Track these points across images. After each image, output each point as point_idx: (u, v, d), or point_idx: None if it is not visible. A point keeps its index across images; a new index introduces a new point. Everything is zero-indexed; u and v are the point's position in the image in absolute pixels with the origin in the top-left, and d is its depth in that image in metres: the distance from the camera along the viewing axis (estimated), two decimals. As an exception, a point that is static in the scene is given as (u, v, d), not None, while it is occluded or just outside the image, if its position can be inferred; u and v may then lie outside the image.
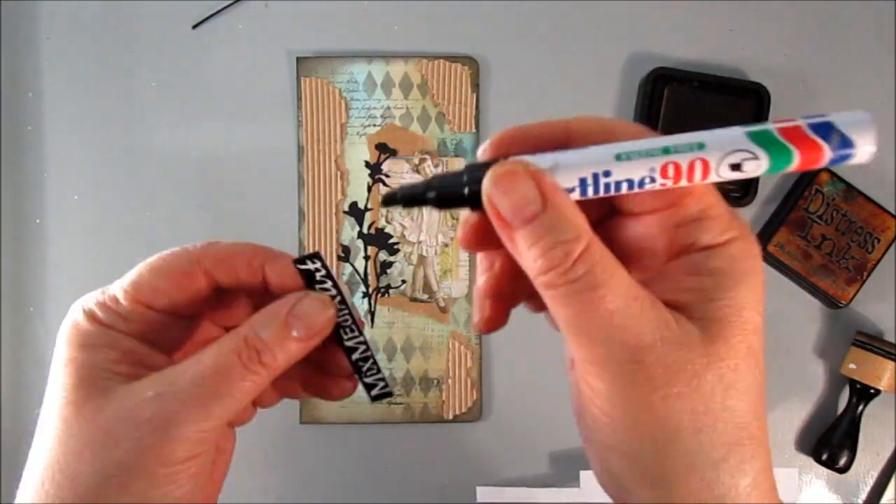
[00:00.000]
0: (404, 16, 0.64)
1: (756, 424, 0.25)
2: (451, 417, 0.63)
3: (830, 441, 0.62)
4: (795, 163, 0.24)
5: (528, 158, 0.25)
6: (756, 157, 0.24)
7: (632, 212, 0.27)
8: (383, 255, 0.63)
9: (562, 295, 0.24)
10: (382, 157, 0.63)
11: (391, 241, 0.63)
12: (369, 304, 0.63)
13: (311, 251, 0.29)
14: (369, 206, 0.63)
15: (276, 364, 0.28)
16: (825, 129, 0.23)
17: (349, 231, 0.63)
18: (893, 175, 0.64)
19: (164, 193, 0.64)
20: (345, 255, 0.63)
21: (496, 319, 0.30)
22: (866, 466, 0.64)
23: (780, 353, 0.64)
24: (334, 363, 0.32)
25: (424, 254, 0.63)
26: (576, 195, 0.25)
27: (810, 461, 0.64)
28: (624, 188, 0.25)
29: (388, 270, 0.63)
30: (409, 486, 0.64)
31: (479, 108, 0.64)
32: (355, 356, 0.31)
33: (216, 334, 0.32)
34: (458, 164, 0.63)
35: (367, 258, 0.63)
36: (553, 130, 0.26)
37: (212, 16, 0.64)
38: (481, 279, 0.29)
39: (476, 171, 0.25)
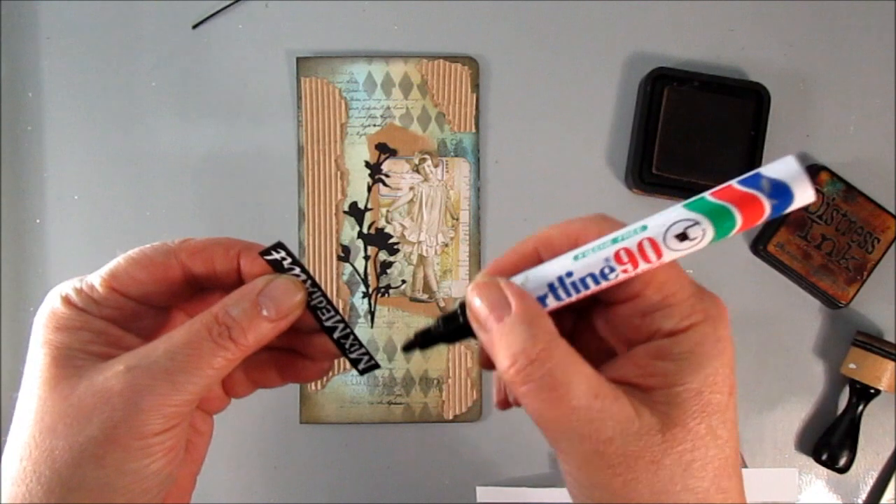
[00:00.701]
0: (404, 16, 0.64)
1: (720, 497, 0.27)
2: (451, 417, 0.63)
3: (830, 441, 0.62)
4: (738, 220, 0.25)
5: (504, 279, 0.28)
6: (697, 223, 0.26)
7: (606, 302, 0.29)
8: (383, 255, 0.63)
9: (526, 392, 0.26)
10: (382, 157, 0.63)
11: (391, 241, 0.63)
12: (369, 304, 0.63)
13: (274, 242, 0.31)
14: (369, 206, 0.63)
15: (246, 342, 0.29)
16: (754, 180, 0.25)
17: (349, 231, 0.63)
18: (893, 175, 0.64)
19: (164, 193, 0.64)
20: (345, 255, 0.63)
21: (507, 403, 0.32)
22: (866, 466, 0.64)
23: (780, 353, 0.64)
24: (311, 345, 0.33)
25: (424, 254, 0.63)
26: (551, 301, 0.28)
27: (810, 461, 0.64)
28: (590, 284, 0.27)
29: (388, 270, 0.63)
30: (409, 486, 0.64)
31: (479, 108, 0.64)
32: (336, 335, 0.32)
33: None
34: (458, 164, 0.63)
35: (367, 258, 0.63)
36: (525, 252, 0.29)
37: (212, 16, 0.64)
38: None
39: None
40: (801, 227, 0.62)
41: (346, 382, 0.63)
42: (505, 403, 0.32)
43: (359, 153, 0.63)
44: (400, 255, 0.63)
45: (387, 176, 0.63)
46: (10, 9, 0.63)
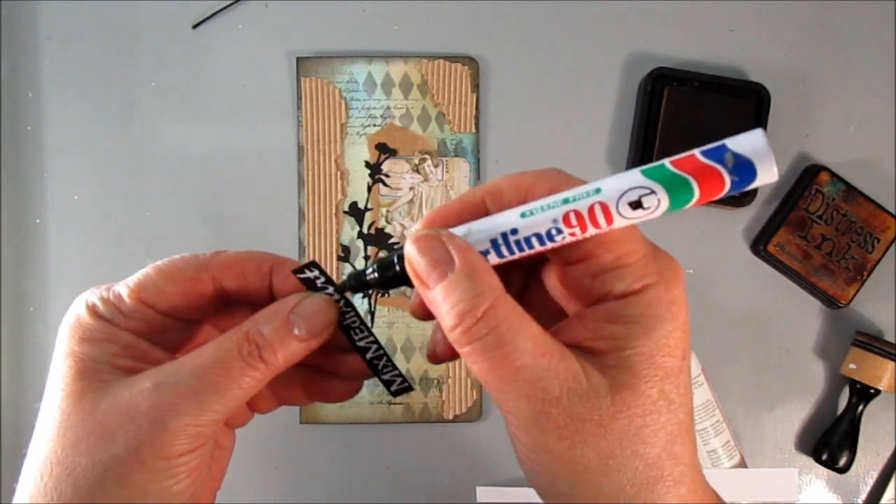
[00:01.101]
0: (404, 16, 0.64)
1: (671, 462, 0.26)
2: (451, 417, 0.63)
3: (830, 441, 0.62)
4: (696, 192, 0.24)
5: (444, 230, 0.27)
6: (653, 192, 0.24)
7: (557, 261, 0.28)
8: (383, 255, 0.63)
9: (470, 352, 0.25)
10: (382, 157, 0.63)
11: (391, 241, 0.63)
12: (369, 304, 0.63)
13: (308, 260, 0.30)
14: (369, 206, 0.63)
15: (276, 361, 0.28)
16: (718, 153, 0.23)
17: (349, 231, 0.63)
18: (893, 175, 0.64)
19: (163, 193, 0.64)
20: (345, 255, 0.63)
21: (447, 356, 0.31)
22: (866, 466, 0.64)
23: (780, 353, 0.64)
24: (341, 365, 0.32)
25: (424, 254, 0.63)
26: (493, 258, 0.26)
27: (810, 461, 0.64)
28: (535, 244, 0.26)
29: (388, 270, 0.63)
30: (409, 486, 0.64)
31: (479, 108, 0.64)
32: (369, 355, 0.31)
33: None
34: (458, 164, 0.63)
35: (367, 258, 0.63)
36: (471, 202, 0.28)
37: (212, 16, 0.64)
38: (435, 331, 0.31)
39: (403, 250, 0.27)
40: (801, 226, 0.62)
41: (346, 382, 0.63)
42: (436, 356, 0.31)
43: (359, 153, 0.63)
44: (400, 255, 0.63)
45: (387, 176, 0.63)
46: (10, 9, 0.63)
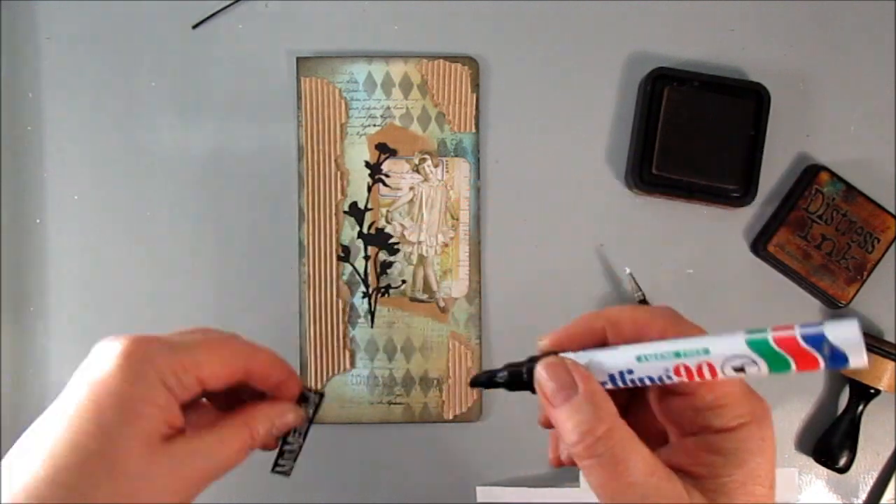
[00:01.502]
0: (404, 16, 0.64)
1: None
2: (450, 417, 0.63)
3: (830, 441, 0.62)
4: (793, 367, 0.27)
5: (570, 355, 0.32)
6: (755, 363, 0.28)
7: (662, 391, 0.33)
8: (383, 255, 0.63)
9: (590, 466, 0.30)
10: (382, 157, 0.63)
11: (391, 241, 0.63)
12: (369, 304, 0.63)
13: (320, 389, 0.41)
14: (369, 206, 0.63)
15: (261, 446, 0.37)
16: (817, 342, 0.26)
17: (349, 231, 0.63)
18: (893, 175, 0.64)
19: (163, 193, 0.64)
20: (345, 255, 0.63)
21: (568, 464, 0.35)
22: (866, 466, 0.64)
23: (780, 353, 0.64)
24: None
25: (424, 254, 0.63)
26: (608, 386, 0.31)
27: (810, 461, 0.64)
28: (647, 382, 0.30)
29: (388, 270, 0.63)
30: (409, 486, 0.64)
31: (479, 108, 0.64)
32: (286, 447, 0.39)
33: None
34: (458, 164, 0.63)
35: (367, 258, 0.63)
36: (593, 328, 0.33)
37: (212, 16, 0.64)
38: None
39: (532, 363, 0.33)
40: (802, 226, 0.62)
41: (346, 382, 0.63)
42: (559, 462, 0.35)
43: (359, 153, 0.63)
44: (400, 255, 0.63)
45: (387, 176, 0.63)
46: (10, 9, 0.63)
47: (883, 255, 0.62)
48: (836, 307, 0.63)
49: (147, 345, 0.32)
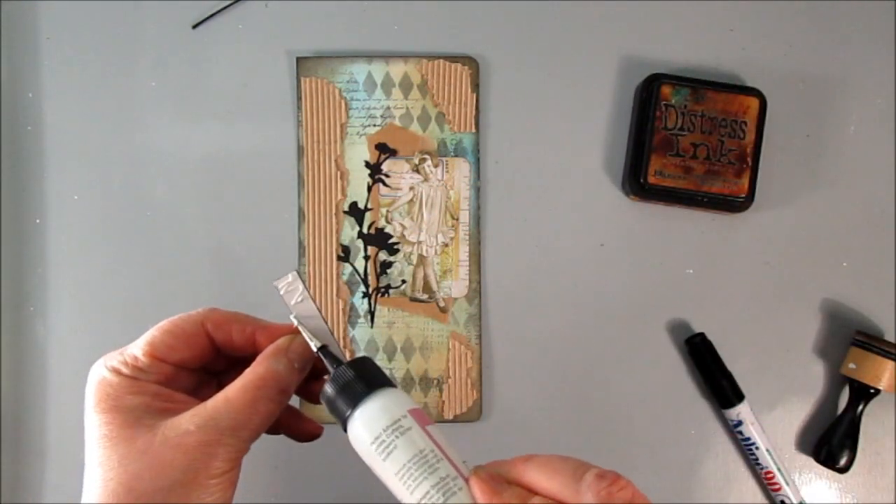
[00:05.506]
0: (404, 16, 0.64)
1: None
2: (451, 417, 0.63)
3: (830, 441, 0.62)
4: None
5: None
6: None
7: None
8: (383, 255, 0.63)
9: None
10: (382, 157, 0.63)
11: (391, 241, 0.63)
12: (369, 304, 0.63)
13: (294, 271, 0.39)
14: (369, 206, 0.63)
15: (291, 393, 0.37)
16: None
17: (349, 231, 0.63)
18: (893, 175, 0.64)
19: (163, 193, 0.64)
20: (345, 255, 0.63)
21: None
22: (866, 466, 0.64)
23: (779, 353, 0.64)
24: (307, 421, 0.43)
25: (424, 254, 0.63)
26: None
27: (810, 461, 0.64)
28: None
29: (388, 270, 0.63)
30: (409, 486, 0.64)
31: (479, 108, 0.64)
32: (324, 353, 0.38)
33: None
34: (458, 164, 0.63)
35: (367, 258, 0.63)
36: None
37: (212, 16, 0.64)
38: None
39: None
40: (670, 145, 0.60)
41: (346, 382, 0.63)
42: None
43: (359, 153, 0.63)
44: (400, 255, 0.63)
45: (387, 176, 0.63)
46: (10, 9, 0.63)
47: (757, 135, 0.61)
48: (739, 207, 0.62)
49: (99, 363, 0.36)
